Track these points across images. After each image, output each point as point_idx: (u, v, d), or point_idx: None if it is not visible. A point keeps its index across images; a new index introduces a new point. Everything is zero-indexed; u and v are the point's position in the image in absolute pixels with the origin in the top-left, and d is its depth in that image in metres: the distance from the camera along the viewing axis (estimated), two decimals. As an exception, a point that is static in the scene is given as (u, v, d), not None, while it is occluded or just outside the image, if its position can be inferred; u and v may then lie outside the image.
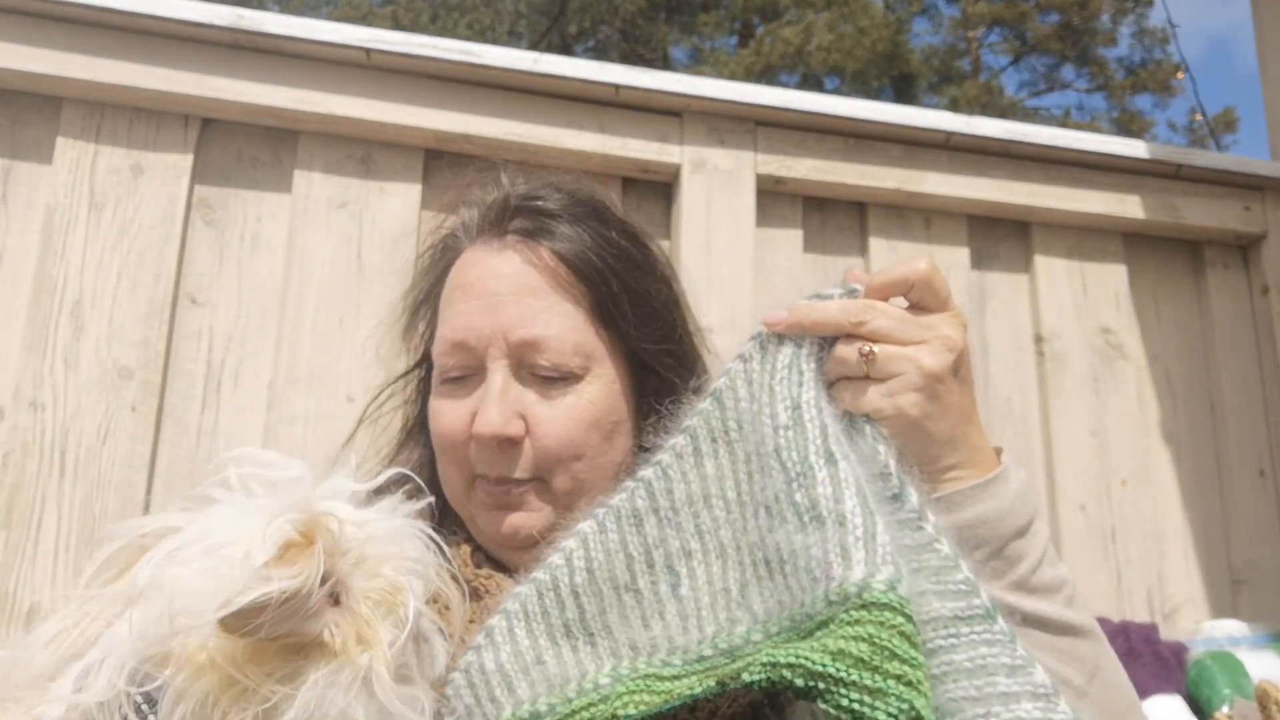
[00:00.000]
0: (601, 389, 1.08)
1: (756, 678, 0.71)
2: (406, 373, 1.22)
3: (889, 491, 0.80)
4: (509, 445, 1.03)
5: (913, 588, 0.75)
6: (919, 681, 0.67)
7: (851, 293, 0.92)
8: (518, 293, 1.06)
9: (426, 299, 1.18)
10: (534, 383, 1.05)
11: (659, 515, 0.88)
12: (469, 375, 1.07)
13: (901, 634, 0.68)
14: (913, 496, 0.80)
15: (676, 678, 0.82)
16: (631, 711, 0.79)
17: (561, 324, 1.07)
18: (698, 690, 0.77)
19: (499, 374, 1.04)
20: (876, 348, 0.86)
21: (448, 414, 1.07)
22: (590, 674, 0.86)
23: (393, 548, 0.82)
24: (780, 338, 0.88)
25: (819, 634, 0.72)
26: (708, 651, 0.82)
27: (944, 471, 0.86)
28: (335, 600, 0.77)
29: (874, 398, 0.85)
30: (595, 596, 0.88)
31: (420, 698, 0.80)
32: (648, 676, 0.82)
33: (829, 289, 0.91)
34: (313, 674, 0.74)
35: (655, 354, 1.12)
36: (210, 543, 0.77)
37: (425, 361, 1.19)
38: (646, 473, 0.89)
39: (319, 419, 1.82)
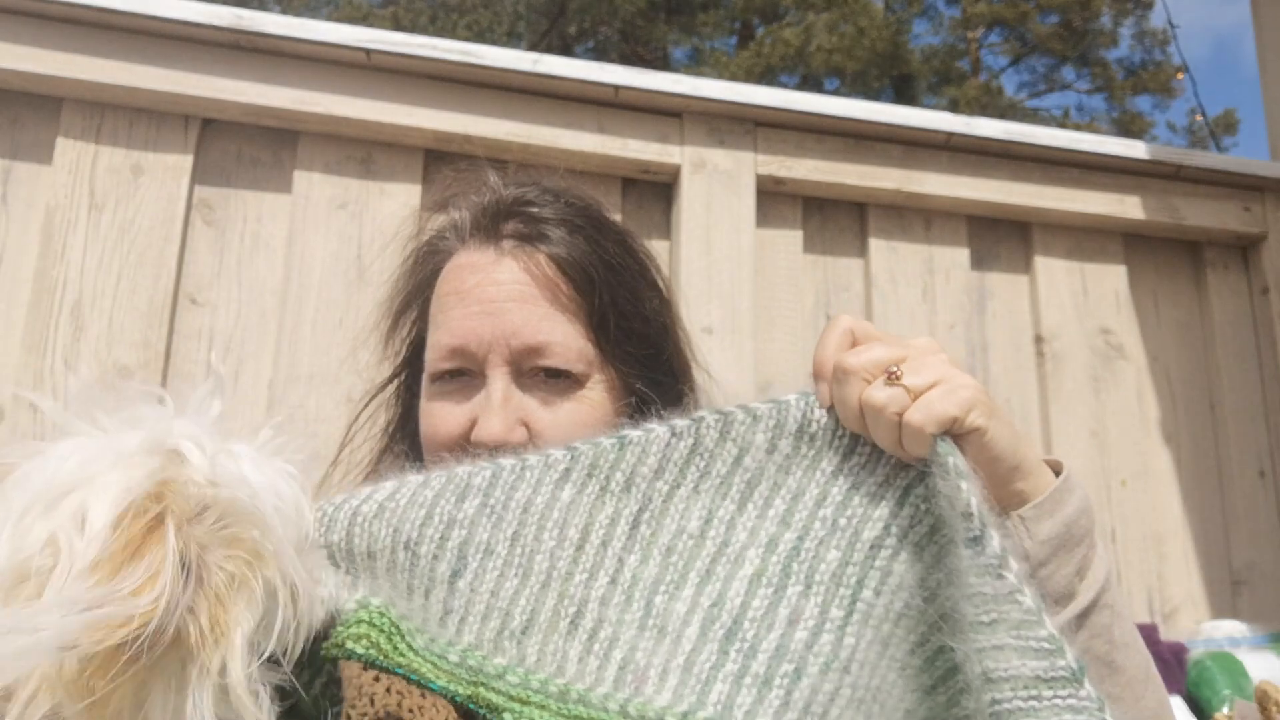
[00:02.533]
0: (600, 396, 1.08)
1: None
2: (391, 378, 1.21)
3: (970, 533, 0.73)
4: (512, 450, 1.02)
5: (989, 640, 0.70)
6: None
7: (804, 395, 0.84)
8: (518, 300, 1.06)
9: (414, 301, 1.17)
10: (535, 389, 1.05)
11: (485, 502, 0.81)
12: (466, 380, 1.06)
13: None
14: (994, 541, 0.73)
15: (415, 652, 0.78)
16: (358, 649, 0.76)
17: (565, 330, 1.07)
18: (438, 685, 0.74)
19: (500, 380, 1.04)
20: (899, 365, 0.80)
21: (443, 417, 1.06)
22: (342, 599, 0.80)
23: (259, 501, 0.71)
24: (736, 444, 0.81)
25: None
26: (453, 657, 0.77)
27: (1012, 496, 0.82)
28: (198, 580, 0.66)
29: (938, 404, 0.77)
30: (367, 536, 0.81)
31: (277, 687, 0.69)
32: (393, 634, 0.78)
33: (784, 397, 0.84)
34: (160, 681, 0.63)
35: (646, 364, 1.12)
36: (47, 492, 0.66)
37: (408, 366, 1.18)
38: (505, 461, 0.83)
39: (319, 419, 1.82)
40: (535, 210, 1.12)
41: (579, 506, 0.81)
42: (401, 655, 0.76)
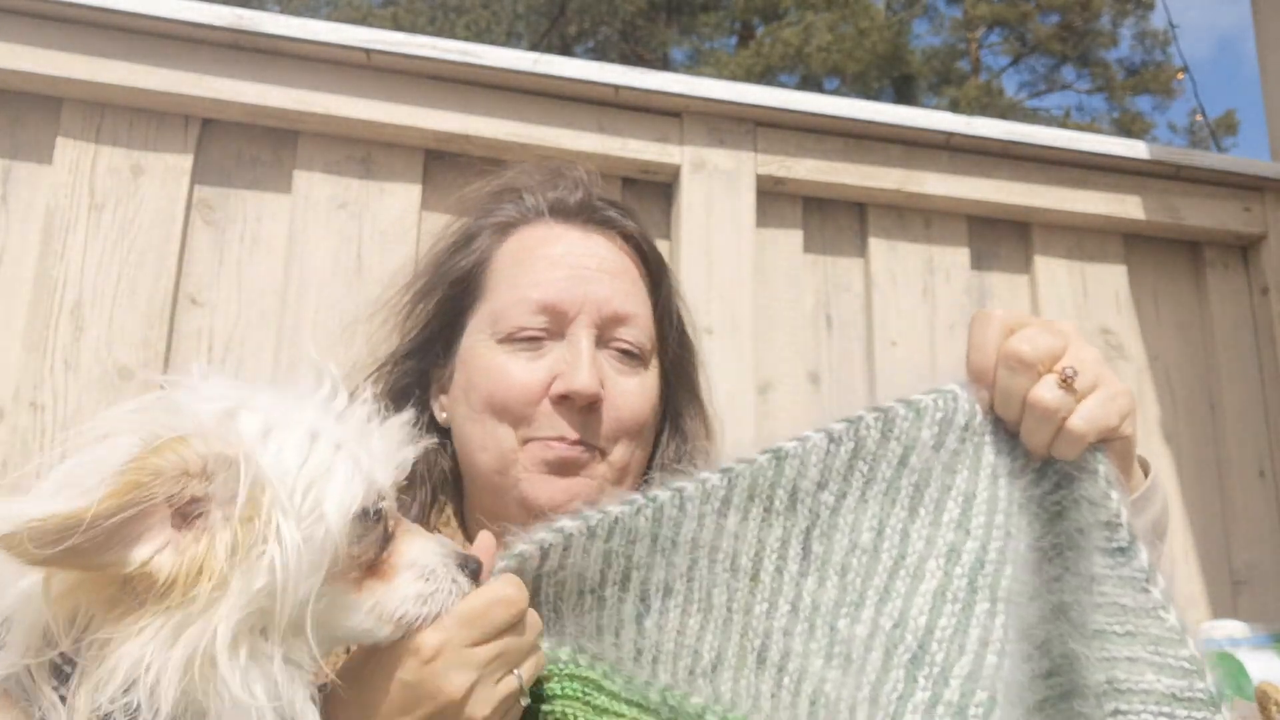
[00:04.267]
0: (655, 380, 1.13)
1: None
2: (403, 349, 1.20)
3: (1116, 543, 0.72)
4: (592, 408, 1.05)
5: (1122, 651, 0.68)
6: None
7: (964, 386, 0.78)
8: (610, 272, 1.11)
9: (461, 274, 1.16)
10: (611, 357, 1.09)
11: (656, 542, 0.80)
12: (540, 341, 1.08)
13: None
14: (1142, 554, 0.71)
15: (615, 696, 0.77)
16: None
17: (645, 309, 1.13)
18: None
19: (586, 340, 1.07)
20: (1070, 366, 0.77)
21: (518, 372, 1.07)
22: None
23: (307, 485, 0.71)
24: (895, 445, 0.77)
25: None
26: (654, 696, 0.77)
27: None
28: (185, 520, 0.67)
29: (1100, 412, 0.75)
30: (556, 585, 0.81)
31: (273, 671, 0.69)
32: (587, 680, 0.78)
33: (944, 387, 0.79)
34: (136, 622, 0.65)
35: (684, 369, 1.19)
36: (121, 424, 0.72)
37: (438, 334, 1.18)
38: (661, 495, 0.81)
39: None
40: (609, 205, 1.18)
41: (746, 534, 0.79)
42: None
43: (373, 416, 0.79)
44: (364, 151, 1.97)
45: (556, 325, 1.08)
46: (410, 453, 0.80)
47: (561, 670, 0.79)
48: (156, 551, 0.66)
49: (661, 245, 2.04)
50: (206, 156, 1.92)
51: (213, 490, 0.68)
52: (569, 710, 0.77)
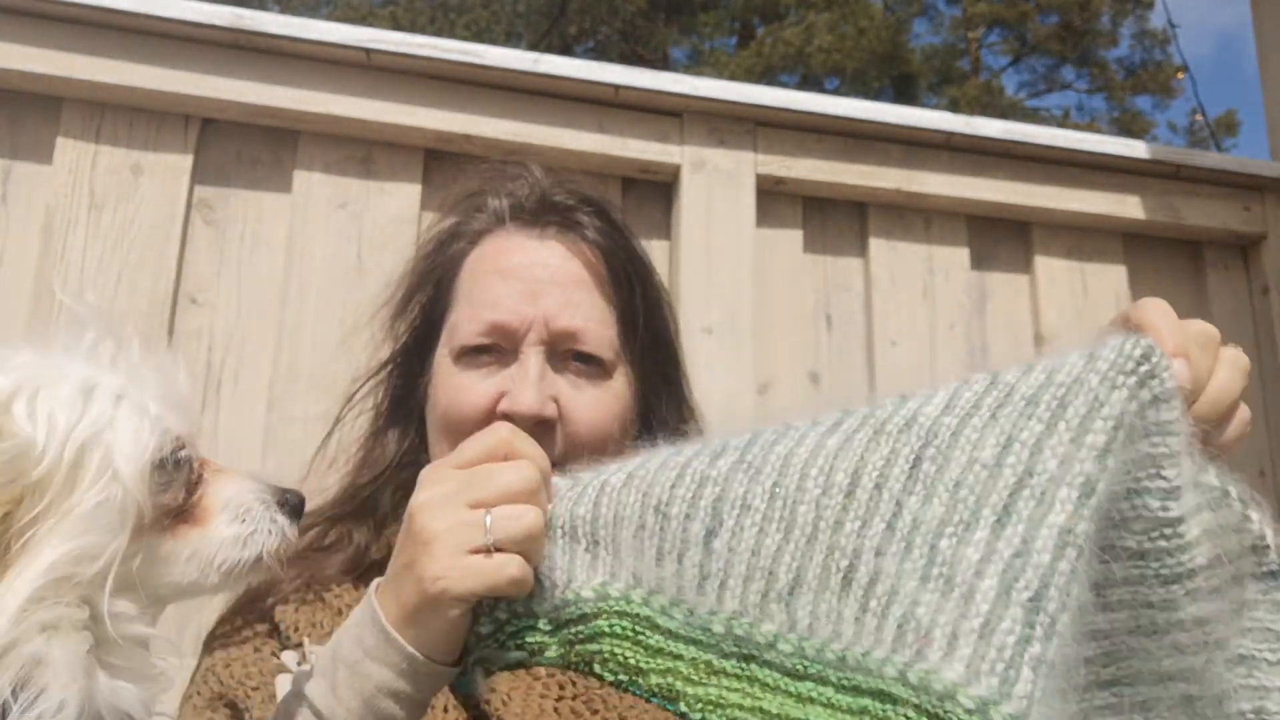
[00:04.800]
0: (623, 388, 1.12)
1: None
2: (392, 358, 1.22)
3: (1265, 567, 0.67)
4: (542, 428, 1.04)
5: (1274, 681, 0.63)
6: None
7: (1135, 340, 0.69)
8: (562, 283, 1.10)
9: (429, 282, 1.18)
10: (565, 371, 1.08)
11: (741, 458, 0.72)
12: (496, 355, 1.08)
13: None
14: None
15: (672, 635, 0.70)
16: (608, 674, 0.70)
17: (601, 318, 1.11)
18: (695, 716, 0.66)
19: (536, 358, 1.06)
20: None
21: (469, 389, 1.07)
22: (577, 582, 0.75)
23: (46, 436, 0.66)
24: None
25: (872, 707, 0.60)
26: (718, 628, 0.69)
27: None
28: None
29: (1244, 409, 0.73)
30: (614, 505, 0.75)
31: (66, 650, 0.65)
32: (639, 619, 0.71)
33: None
34: None
35: (659, 365, 1.16)
36: None
37: (415, 346, 1.20)
38: (767, 427, 0.75)
39: (319, 419, 1.81)
40: (577, 204, 1.16)
41: (849, 450, 0.69)
42: (657, 665, 0.69)
43: (149, 358, 0.74)
44: (364, 151, 1.97)
45: (508, 343, 1.08)
46: (186, 385, 0.75)
47: (611, 607, 0.73)
48: None
49: (661, 245, 2.06)
50: (206, 156, 1.92)
51: None
52: (617, 650, 0.71)
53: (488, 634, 0.77)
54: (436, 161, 2.01)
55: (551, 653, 0.75)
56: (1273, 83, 2.44)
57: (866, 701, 0.61)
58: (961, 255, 2.24)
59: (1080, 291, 2.28)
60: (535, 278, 1.09)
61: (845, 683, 0.63)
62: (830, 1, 15.53)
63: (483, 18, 15.46)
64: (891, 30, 15.86)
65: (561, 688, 0.92)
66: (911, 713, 0.58)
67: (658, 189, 2.11)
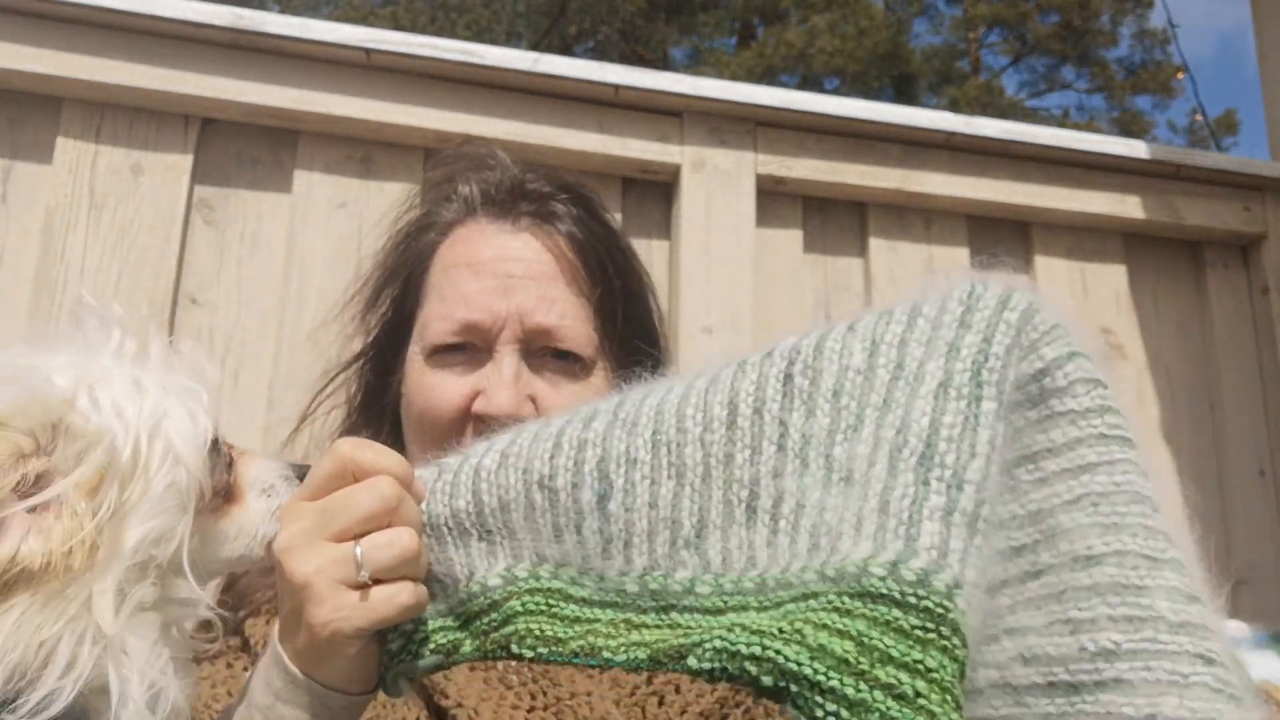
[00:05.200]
0: (602, 383, 1.08)
1: (707, 666, 0.59)
2: (363, 352, 1.19)
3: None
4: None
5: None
6: (922, 694, 0.54)
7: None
8: (537, 278, 1.06)
9: (399, 275, 1.14)
10: (542, 369, 1.05)
11: (614, 416, 0.71)
12: (470, 353, 1.05)
13: (901, 632, 0.55)
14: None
15: (587, 603, 0.68)
16: (526, 651, 0.67)
17: (577, 313, 1.07)
18: (619, 658, 0.64)
19: (511, 357, 1.03)
20: None
21: (442, 389, 1.04)
22: (480, 573, 0.72)
23: (123, 426, 0.69)
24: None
25: (794, 610, 0.60)
26: (632, 587, 0.67)
27: None
28: (36, 506, 0.65)
29: None
30: (495, 490, 0.72)
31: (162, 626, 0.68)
32: (551, 592, 0.69)
33: None
34: (13, 611, 0.62)
35: (640, 360, 1.13)
36: None
37: (387, 339, 1.16)
38: (633, 389, 0.73)
39: (318, 419, 1.82)
40: (551, 191, 1.12)
41: (718, 386, 0.68)
42: (575, 632, 0.67)
43: (173, 351, 0.79)
44: (364, 151, 1.97)
45: (482, 341, 1.04)
46: (213, 373, 0.80)
47: (522, 587, 0.70)
48: (21, 542, 0.63)
49: (661, 245, 2.06)
50: (206, 156, 1.92)
51: (55, 463, 0.66)
52: (533, 627, 0.67)
53: (398, 649, 0.74)
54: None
55: (467, 648, 0.72)
56: (1273, 83, 2.44)
57: (788, 606, 0.60)
58: (961, 255, 2.24)
59: (1080, 291, 2.28)
60: (508, 272, 1.05)
61: (766, 602, 0.62)
62: (831, 2, 15.54)
63: (483, 17, 15.46)
64: (892, 30, 15.86)
65: (533, 697, 0.90)
66: (832, 597, 0.58)
67: (658, 189, 2.11)
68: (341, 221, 1.93)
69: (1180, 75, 16.71)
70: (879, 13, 16.25)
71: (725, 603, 0.64)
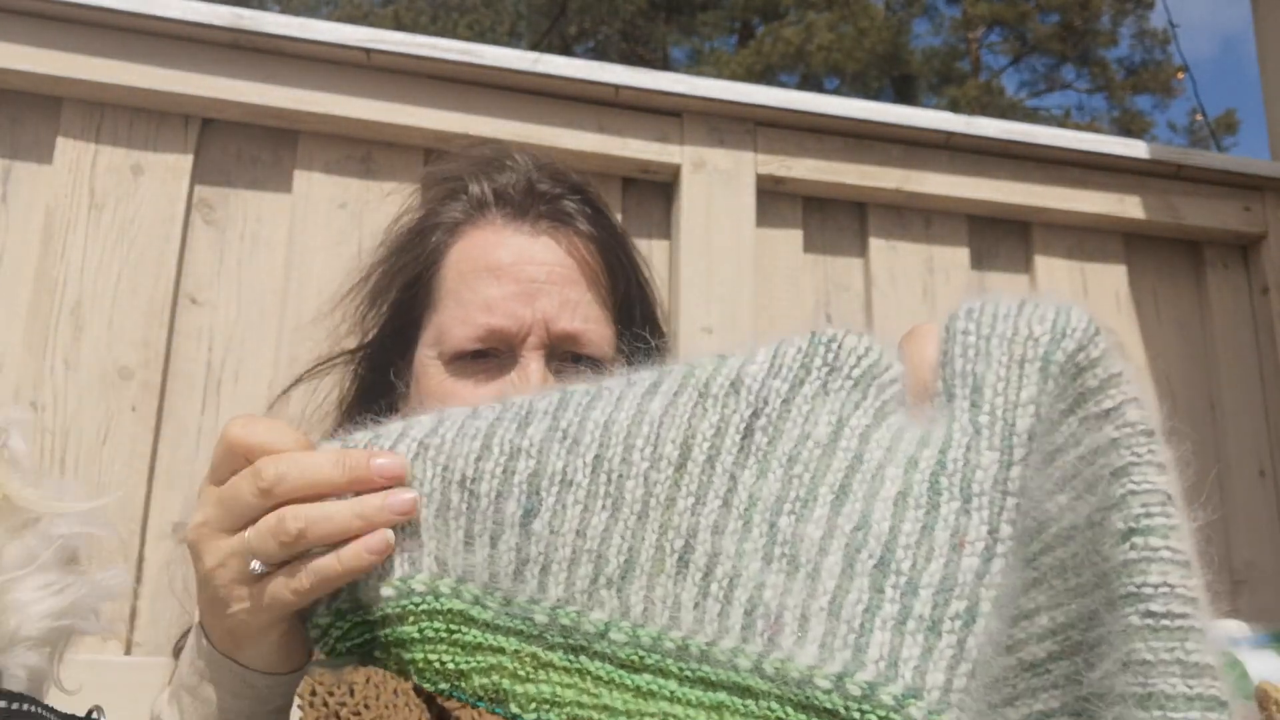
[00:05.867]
0: None
1: None
2: (365, 347, 1.16)
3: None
4: None
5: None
6: None
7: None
8: (559, 282, 1.04)
9: (415, 273, 1.11)
10: (565, 374, 1.03)
11: (554, 424, 0.64)
12: (492, 359, 1.03)
13: None
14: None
15: (490, 627, 0.62)
16: (426, 684, 0.62)
17: (599, 316, 1.06)
18: (529, 717, 0.60)
19: (536, 362, 1.02)
20: None
21: (465, 398, 1.01)
22: (373, 577, 0.65)
23: None
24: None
25: (731, 705, 0.58)
26: (541, 618, 0.62)
27: None
28: None
29: None
30: (413, 479, 0.66)
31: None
32: (451, 614, 0.63)
33: None
34: None
35: (650, 357, 1.12)
36: None
37: (387, 340, 1.14)
38: (576, 386, 0.68)
39: (318, 419, 1.82)
40: (561, 192, 1.10)
41: (674, 417, 0.63)
42: (478, 663, 0.62)
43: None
44: (364, 151, 1.97)
45: (504, 346, 1.03)
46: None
47: (418, 607, 0.63)
48: None
49: (661, 245, 2.06)
50: (206, 156, 1.92)
51: None
52: (433, 657, 0.62)
53: (326, 625, 0.68)
54: (436, 161, 2.00)
55: (379, 652, 0.66)
56: (1273, 83, 2.44)
57: (722, 696, 0.58)
58: (961, 255, 2.24)
59: (1080, 291, 2.28)
60: (530, 276, 1.03)
61: (689, 674, 0.59)
62: (830, 1, 15.54)
63: (483, 17, 15.46)
64: (892, 30, 15.87)
65: None
66: (774, 704, 0.56)
67: (658, 189, 2.11)
68: (342, 221, 1.93)
69: (1180, 75, 16.72)
70: (879, 13, 16.24)
71: (640, 659, 0.60)
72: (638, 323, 1.10)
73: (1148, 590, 0.55)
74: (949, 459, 0.60)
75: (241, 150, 1.94)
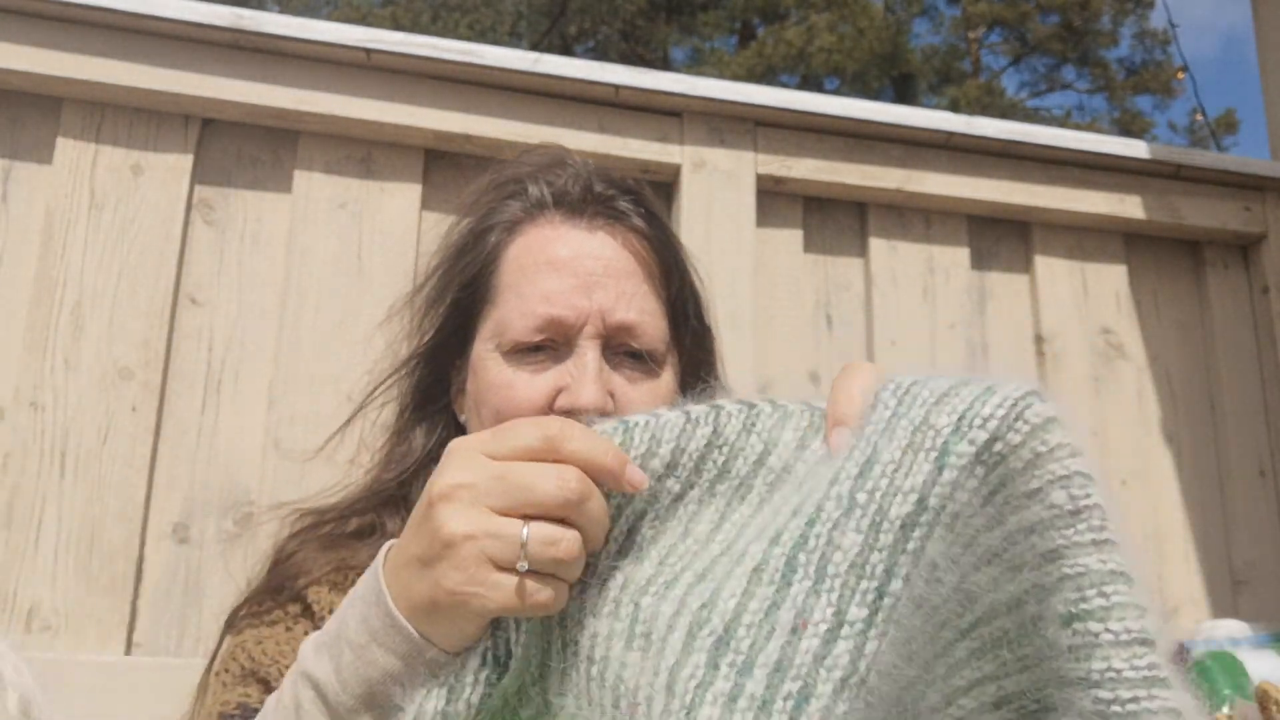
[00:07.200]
0: (673, 382, 1.11)
1: None
2: (421, 349, 1.18)
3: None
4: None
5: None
6: None
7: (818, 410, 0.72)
8: (616, 275, 1.08)
9: (474, 272, 1.13)
10: (619, 366, 1.07)
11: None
12: (548, 352, 1.06)
13: None
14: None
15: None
16: None
17: (654, 309, 1.10)
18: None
19: (593, 351, 1.04)
20: None
21: (523, 386, 1.05)
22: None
23: None
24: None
25: None
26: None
27: None
28: None
29: None
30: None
31: None
32: None
33: None
34: None
35: (702, 361, 1.15)
36: None
37: (445, 340, 1.17)
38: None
39: (319, 419, 1.82)
40: (615, 192, 1.14)
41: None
42: None
43: None
44: (364, 151, 1.97)
45: (564, 337, 1.06)
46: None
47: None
48: None
49: (661, 245, 2.06)
50: (206, 156, 1.92)
51: None
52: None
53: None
54: (436, 161, 2.01)
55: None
56: (1273, 83, 2.44)
57: None
58: (961, 255, 2.24)
59: (1080, 291, 2.28)
60: (588, 270, 1.07)
61: None
62: (830, 2, 15.54)
63: (484, 17, 15.46)
64: (892, 30, 15.86)
65: None
66: None
67: (658, 189, 2.11)
68: (342, 221, 1.93)
69: (1180, 75, 16.70)
70: (879, 13, 16.24)
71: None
72: (691, 320, 1.14)
73: (1095, 676, 0.55)
74: (812, 534, 0.61)
75: (241, 150, 1.94)
